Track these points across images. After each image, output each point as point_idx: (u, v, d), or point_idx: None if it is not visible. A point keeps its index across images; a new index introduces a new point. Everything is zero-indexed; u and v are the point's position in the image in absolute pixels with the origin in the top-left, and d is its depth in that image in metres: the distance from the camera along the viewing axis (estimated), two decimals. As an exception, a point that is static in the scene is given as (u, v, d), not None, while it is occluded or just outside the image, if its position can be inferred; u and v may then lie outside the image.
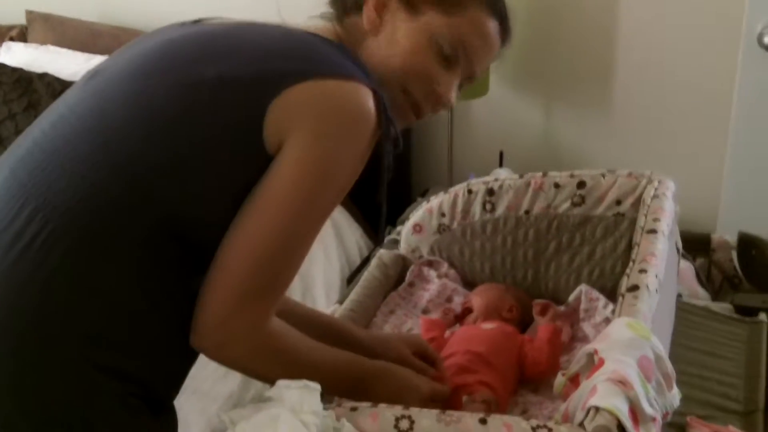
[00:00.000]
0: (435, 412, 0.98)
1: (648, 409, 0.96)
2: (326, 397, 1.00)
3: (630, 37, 2.36)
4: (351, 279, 2.05)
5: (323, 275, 2.15)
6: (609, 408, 0.92)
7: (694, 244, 1.86)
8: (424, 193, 2.52)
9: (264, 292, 0.97)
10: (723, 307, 1.64)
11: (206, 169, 0.96)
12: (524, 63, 2.47)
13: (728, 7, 2.21)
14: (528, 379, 1.38)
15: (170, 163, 0.95)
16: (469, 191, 1.63)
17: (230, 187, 0.97)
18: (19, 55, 2.68)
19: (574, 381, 1.07)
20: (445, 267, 1.68)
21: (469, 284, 1.67)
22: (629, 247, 1.48)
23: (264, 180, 0.96)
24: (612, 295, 1.47)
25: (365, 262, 1.87)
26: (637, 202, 1.52)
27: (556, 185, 1.57)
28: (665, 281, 1.28)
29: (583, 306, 1.52)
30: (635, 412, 0.95)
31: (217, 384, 1.66)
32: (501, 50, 1.15)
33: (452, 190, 1.66)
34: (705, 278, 1.84)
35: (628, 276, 1.23)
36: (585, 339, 1.45)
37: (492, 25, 1.11)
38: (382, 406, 0.99)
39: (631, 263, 1.29)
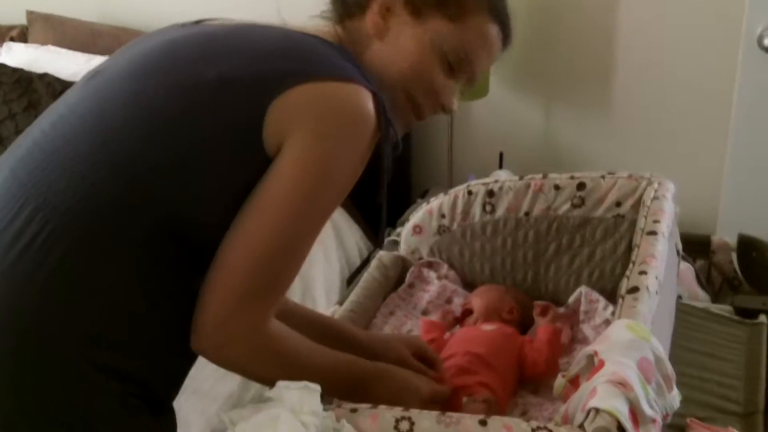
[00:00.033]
0: (435, 413, 0.98)
1: (648, 411, 0.96)
2: (326, 397, 0.99)
3: (630, 37, 2.36)
4: (351, 280, 2.05)
5: (323, 276, 2.15)
6: (609, 409, 0.92)
7: (694, 246, 1.86)
8: (424, 195, 2.52)
9: (264, 293, 0.97)
10: (723, 309, 1.63)
11: (206, 169, 0.96)
12: (524, 64, 2.47)
13: (728, 8, 2.21)
14: (528, 379, 1.38)
15: (170, 163, 0.95)
16: (469, 192, 1.63)
17: (230, 188, 0.97)
18: (19, 56, 2.68)
19: (574, 382, 1.07)
20: (444, 268, 1.68)
21: (469, 285, 1.67)
22: (629, 248, 1.48)
23: (264, 180, 0.96)
24: (612, 296, 1.47)
25: (365, 263, 1.87)
26: (637, 204, 1.52)
27: (556, 187, 1.57)
28: (665, 283, 1.28)
29: (582, 308, 1.51)
30: (635, 413, 0.95)
31: (217, 384, 1.66)
32: (501, 53, 1.16)
33: (452, 191, 1.66)
34: (705, 280, 1.84)
35: (628, 278, 1.23)
36: (585, 341, 1.45)
37: (494, 32, 1.12)
38: (382, 407, 0.99)
39: (631, 265, 1.29)
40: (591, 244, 1.57)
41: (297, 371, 0.98)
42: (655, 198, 1.46)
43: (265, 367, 1.00)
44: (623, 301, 1.18)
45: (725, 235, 1.93)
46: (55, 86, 2.47)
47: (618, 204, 1.54)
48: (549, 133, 2.55)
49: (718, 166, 2.31)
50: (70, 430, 0.92)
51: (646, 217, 1.41)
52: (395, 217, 1.81)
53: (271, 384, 0.97)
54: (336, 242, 2.28)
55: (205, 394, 1.64)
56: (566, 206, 1.57)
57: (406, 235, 1.71)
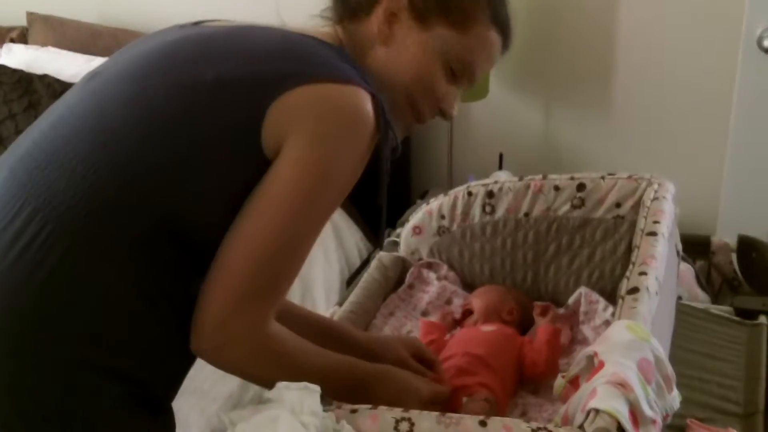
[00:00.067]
0: (435, 414, 0.98)
1: (648, 412, 0.96)
2: (326, 398, 0.99)
3: (630, 37, 2.36)
4: (351, 281, 2.05)
5: (323, 277, 2.15)
6: (609, 410, 0.92)
7: (694, 247, 1.86)
8: (424, 195, 2.53)
9: (264, 293, 0.97)
10: (723, 310, 1.63)
11: (205, 170, 0.96)
12: (524, 64, 2.47)
13: (728, 9, 2.21)
14: (527, 379, 1.38)
15: (170, 163, 0.95)
16: (469, 193, 1.63)
17: (229, 188, 0.97)
18: (19, 56, 2.68)
19: (574, 383, 1.07)
20: (444, 269, 1.68)
21: (469, 286, 1.67)
22: (629, 249, 1.48)
23: (264, 181, 0.96)
24: (612, 297, 1.47)
25: (365, 264, 1.87)
26: (637, 205, 1.51)
27: (556, 188, 1.57)
28: (665, 283, 1.28)
29: (582, 308, 1.51)
30: (635, 414, 0.95)
31: (216, 384, 1.66)
32: (500, 57, 1.17)
33: (452, 192, 1.66)
34: (705, 281, 1.84)
35: (628, 278, 1.23)
36: (585, 341, 1.45)
37: (497, 40, 1.13)
38: (382, 408, 0.99)
39: (630, 266, 1.28)
40: (591, 245, 1.57)
41: (297, 373, 0.98)
42: (655, 199, 1.46)
43: (264, 368, 1.00)
44: (623, 302, 1.18)
45: (725, 236, 1.93)
46: (55, 87, 2.48)
47: (618, 205, 1.54)
48: (549, 133, 2.56)
49: (718, 167, 2.31)
50: (69, 430, 0.92)
51: (646, 218, 1.41)
52: (395, 218, 1.81)
53: (270, 386, 0.97)
54: (336, 243, 2.29)
55: (204, 394, 1.64)
56: (566, 207, 1.57)
57: (405, 236, 1.71)
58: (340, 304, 1.56)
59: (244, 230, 0.96)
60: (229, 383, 1.67)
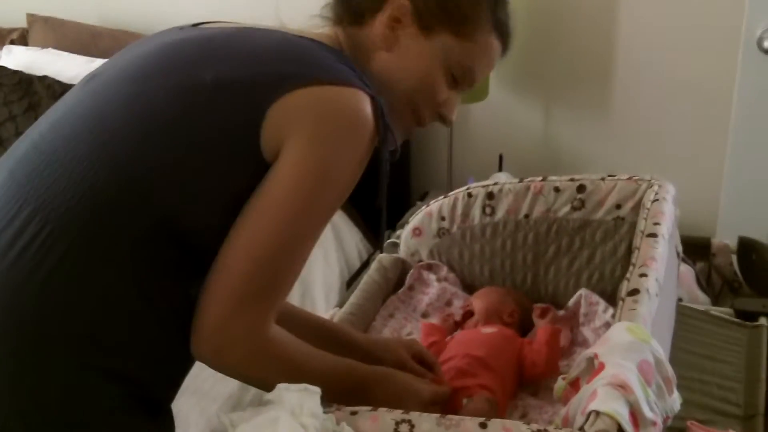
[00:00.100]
0: (435, 416, 0.97)
1: (648, 413, 0.96)
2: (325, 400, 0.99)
3: (630, 38, 2.37)
4: (350, 282, 2.05)
5: (323, 279, 2.15)
6: (609, 412, 0.92)
7: (695, 248, 1.86)
8: (424, 197, 2.53)
9: (264, 295, 0.97)
10: (723, 311, 1.64)
11: (205, 171, 0.96)
12: (524, 66, 2.47)
13: (728, 10, 2.21)
14: (527, 380, 1.38)
15: (169, 164, 0.95)
16: (469, 195, 1.63)
17: (229, 189, 0.97)
18: (19, 58, 2.68)
19: (574, 385, 1.07)
20: (444, 270, 1.68)
21: (469, 288, 1.67)
22: (629, 250, 1.48)
23: (263, 183, 0.96)
24: (612, 299, 1.47)
25: (365, 265, 1.87)
26: (637, 206, 1.51)
27: (556, 189, 1.57)
28: (665, 285, 1.27)
29: (582, 310, 1.51)
30: (635, 416, 0.94)
31: (217, 384, 1.66)
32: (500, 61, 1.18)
33: (452, 193, 1.66)
34: (705, 282, 1.84)
35: (628, 280, 1.23)
36: (585, 343, 1.45)
37: (497, 45, 1.14)
38: (382, 409, 0.99)
39: (631, 267, 1.28)
40: (591, 247, 1.57)
41: (296, 375, 0.98)
42: (655, 200, 1.46)
43: (264, 371, 0.99)
44: (623, 304, 1.18)
45: (725, 238, 1.93)
46: (55, 88, 2.48)
47: (618, 206, 1.54)
48: (549, 135, 2.55)
49: (718, 168, 2.31)
50: (69, 430, 0.92)
51: (646, 220, 1.41)
52: (395, 220, 1.82)
53: (270, 389, 0.96)
54: (336, 245, 2.29)
55: (204, 395, 1.64)
56: (566, 208, 1.57)
57: (405, 238, 1.71)
58: (340, 305, 1.56)
59: (244, 232, 0.96)
60: (229, 384, 1.67)
